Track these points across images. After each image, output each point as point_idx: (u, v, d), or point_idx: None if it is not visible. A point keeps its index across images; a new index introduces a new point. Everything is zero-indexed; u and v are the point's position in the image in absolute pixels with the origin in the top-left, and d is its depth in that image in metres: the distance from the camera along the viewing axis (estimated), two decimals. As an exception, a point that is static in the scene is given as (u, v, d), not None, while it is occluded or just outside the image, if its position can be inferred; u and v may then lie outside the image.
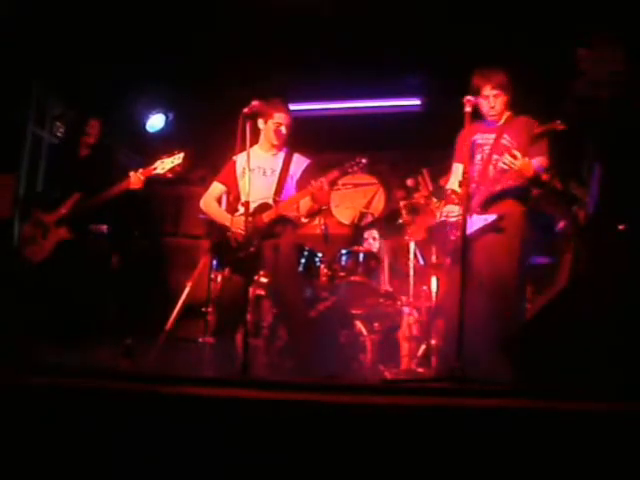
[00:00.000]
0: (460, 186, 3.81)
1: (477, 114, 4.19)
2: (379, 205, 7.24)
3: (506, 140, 4.13)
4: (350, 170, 4.44)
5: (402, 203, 5.61)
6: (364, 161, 4.39)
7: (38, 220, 5.13)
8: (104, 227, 5.30)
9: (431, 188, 5.18)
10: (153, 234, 6.89)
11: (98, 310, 5.10)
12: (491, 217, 3.93)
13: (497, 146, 4.14)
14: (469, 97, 3.85)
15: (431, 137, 5.05)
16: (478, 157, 4.20)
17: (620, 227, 4.59)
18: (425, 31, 5.60)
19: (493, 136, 4.21)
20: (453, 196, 4.21)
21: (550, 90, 5.50)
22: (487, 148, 4.18)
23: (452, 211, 4.19)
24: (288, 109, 4.67)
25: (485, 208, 4.04)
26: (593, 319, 2.88)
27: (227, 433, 2.33)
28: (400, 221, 5.65)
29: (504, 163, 3.94)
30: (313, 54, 5.89)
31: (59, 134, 6.65)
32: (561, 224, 5.48)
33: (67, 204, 5.04)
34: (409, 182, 5.87)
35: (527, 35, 5.34)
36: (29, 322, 4.55)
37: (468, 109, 3.82)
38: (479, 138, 4.24)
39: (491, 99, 4.14)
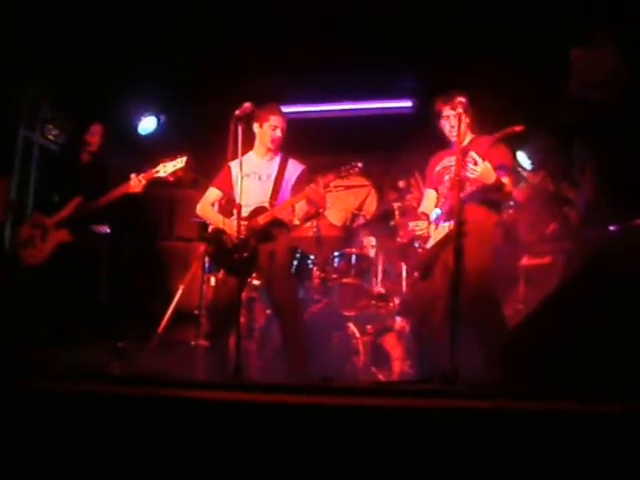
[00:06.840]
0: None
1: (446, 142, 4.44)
2: (371, 207, 7.25)
3: (470, 157, 4.21)
4: (345, 174, 4.45)
5: (396, 205, 5.61)
6: (359, 165, 4.41)
7: (37, 222, 5.11)
8: (106, 228, 5.28)
9: (423, 190, 5.18)
10: (147, 237, 6.87)
11: (91, 312, 5.08)
12: None
13: (462, 163, 4.20)
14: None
15: (423, 139, 5.05)
16: (446, 177, 4.36)
17: (612, 228, 4.61)
18: (417, 33, 5.61)
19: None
20: (423, 218, 4.39)
21: (543, 91, 5.52)
22: (454, 168, 4.24)
23: (420, 225, 4.35)
24: (283, 112, 4.67)
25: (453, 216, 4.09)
26: (586, 320, 2.88)
27: (220, 436, 2.33)
28: (392, 223, 5.67)
29: (467, 170, 4.05)
30: (306, 56, 5.89)
31: (51, 137, 6.62)
32: (553, 226, 5.50)
33: (69, 207, 5.02)
34: (401, 184, 5.89)
35: (520, 36, 5.36)
36: (24, 325, 4.53)
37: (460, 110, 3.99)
38: (447, 162, 4.40)
39: (451, 119, 4.27)
